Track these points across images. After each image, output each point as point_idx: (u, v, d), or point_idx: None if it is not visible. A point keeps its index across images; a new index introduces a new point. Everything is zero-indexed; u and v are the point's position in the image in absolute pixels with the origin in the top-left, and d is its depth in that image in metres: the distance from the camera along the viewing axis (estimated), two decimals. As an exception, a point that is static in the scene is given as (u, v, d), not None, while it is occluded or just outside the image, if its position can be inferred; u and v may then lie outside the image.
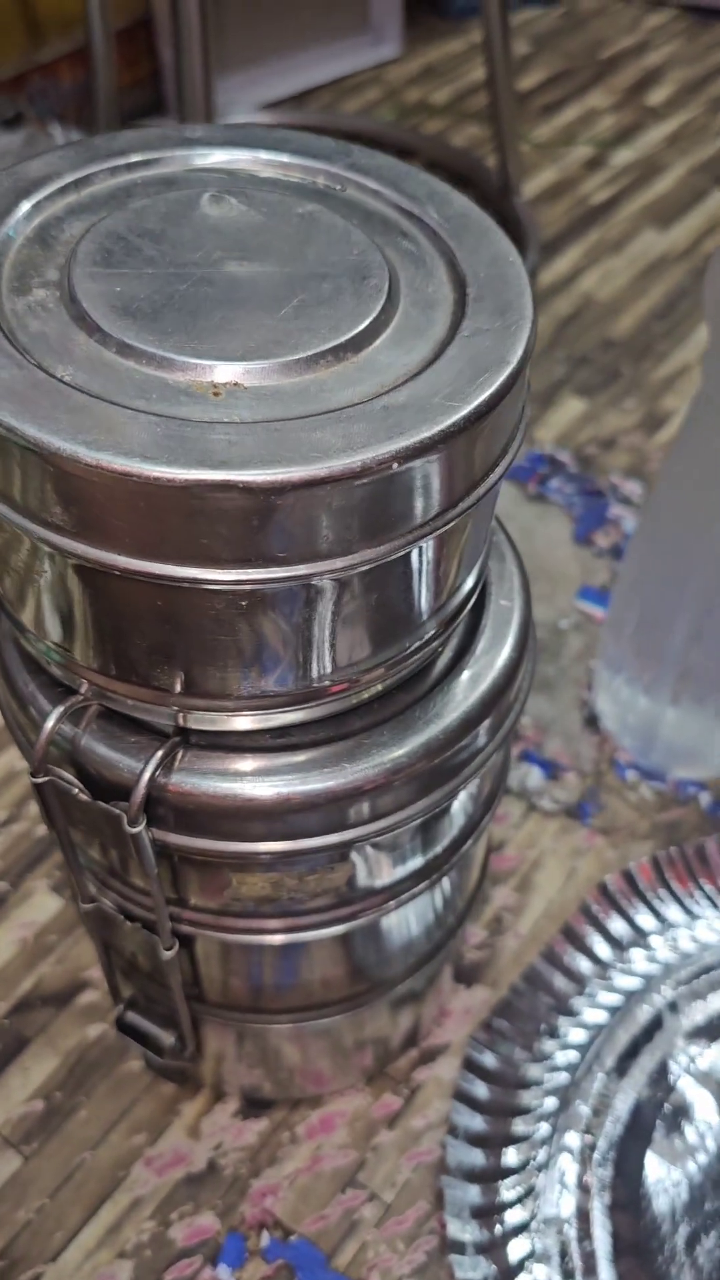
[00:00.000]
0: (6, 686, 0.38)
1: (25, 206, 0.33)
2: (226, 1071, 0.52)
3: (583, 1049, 0.55)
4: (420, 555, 0.32)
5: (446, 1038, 0.55)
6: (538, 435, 0.85)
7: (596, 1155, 0.51)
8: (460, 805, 0.41)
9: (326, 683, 0.33)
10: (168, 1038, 0.47)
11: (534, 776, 0.65)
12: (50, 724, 0.35)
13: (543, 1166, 0.51)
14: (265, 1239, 0.49)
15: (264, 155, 0.37)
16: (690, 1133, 0.52)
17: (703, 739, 0.63)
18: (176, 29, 0.87)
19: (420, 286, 0.33)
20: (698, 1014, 0.55)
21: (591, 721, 0.68)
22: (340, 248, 0.33)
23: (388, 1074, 0.54)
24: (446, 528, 0.31)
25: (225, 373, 0.29)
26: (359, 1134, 0.53)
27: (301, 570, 0.29)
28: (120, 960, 0.47)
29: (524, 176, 1.09)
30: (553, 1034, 0.55)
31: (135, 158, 0.36)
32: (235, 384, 0.29)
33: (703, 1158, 0.51)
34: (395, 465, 0.28)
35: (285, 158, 0.37)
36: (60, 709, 0.35)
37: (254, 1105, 0.53)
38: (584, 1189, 0.50)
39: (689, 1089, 0.53)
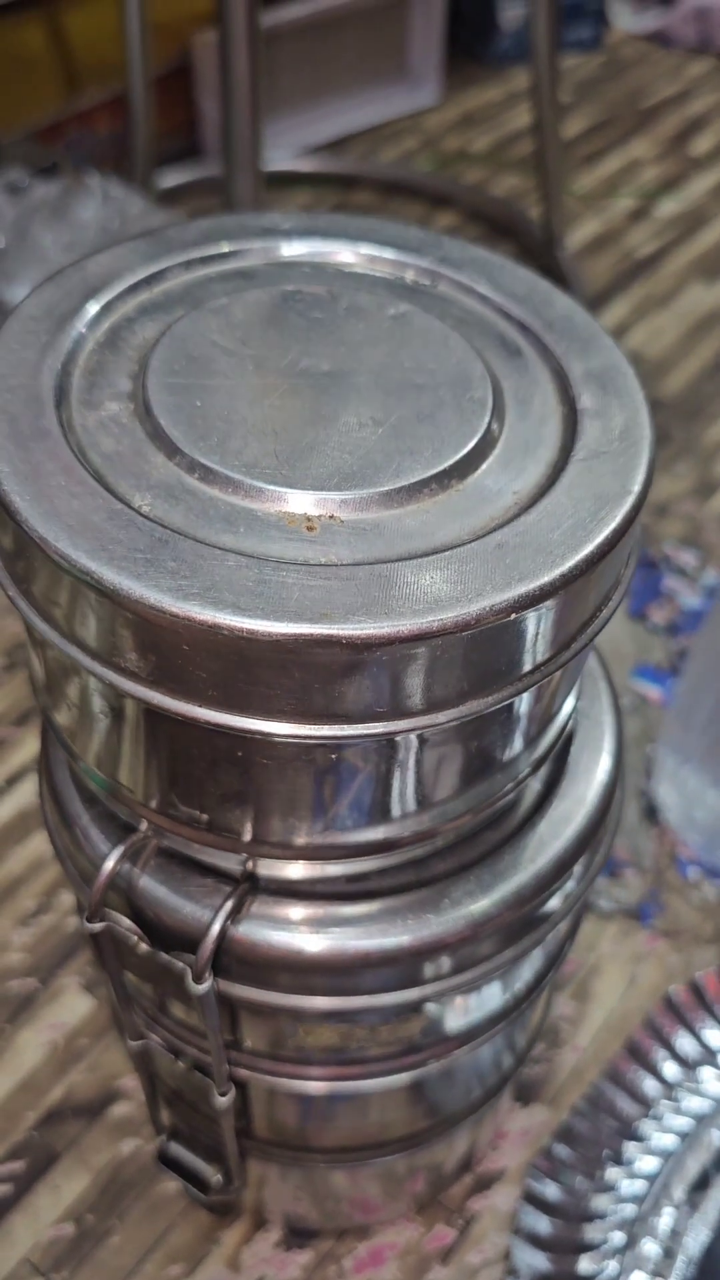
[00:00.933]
0: (58, 813, 0.35)
1: (94, 308, 0.31)
2: (269, 1198, 0.48)
3: (651, 1178, 0.51)
4: (521, 698, 0.29)
5: (503, 1162, 0.52)
6: (587, 500, 0.82)
7: (669, 1301, 0.47)
8: (546, 948, 0.38)
9: (406, 833, 0.30)
10: (213, 1174, 0.43)
11: (592, 872, 0.61)
12: (110, 865, 0.32)
13: (610, 1312, 0.47)
14: None
15: (348, 247, 0.34)
16: (767, 1275, 0.48)
17: (772, 836, 0.60)
18: (225, 80, 0.85)
19: (526, 399, 0.30)
20: (772, 1141, 0.52)
21: (651, 813, 0.64)
22: (438, 354, 0.30)
23: (440, 1202, 0.51)
24: (554, 673, 0.28)
25: (320, 504, 0.26)
26: (411, 1269, 0.49)
27: (401, 726, 0.26)
28: (164, 1089, 0.43)
29: (566, 228, 1.07)
30: (618, 1161, 0.52)
31: (210, 250, 0.33)
32: (331, 517, 0.26)
33: (781, 1303, 0.47)
34: (513, 615, 0.25)
35: (372, 250, 0.34)
36: (120, 849, 0.32)
37: (298, 1235, 0.50)
38: (657, 1343, 0.46)
39: (765, 1225, 0.49)
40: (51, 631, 0.27)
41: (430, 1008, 0.35)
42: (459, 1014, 0.36)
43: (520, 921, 0.33)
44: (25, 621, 0.28)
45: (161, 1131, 0.44)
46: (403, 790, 0.29)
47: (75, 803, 0.34)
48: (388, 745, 0.27)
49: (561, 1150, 0.52)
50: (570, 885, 0.35)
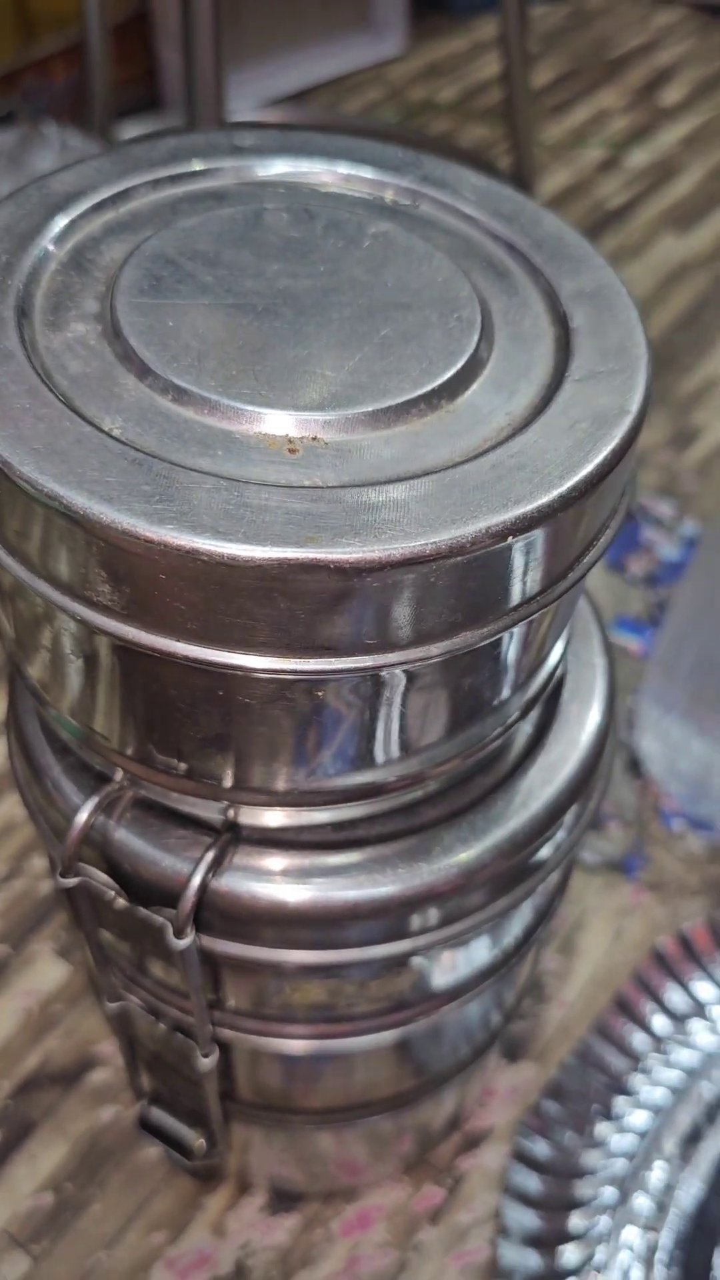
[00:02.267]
0: (27, 766, 0.34)
1: (60, 223, 0.29)
2: (254, 1162, 0.47)
3: (641, 1133, 0.50)
4: (512, 634, 0.28)
5: (491, 1120, 0.51)
6: (562, 454, 0.81)
7: (661, 1254, 0.47)
8: (535, 903, 0.37)
9: (393, 776, 0.29)
10: (196, 1139, 0.42)
11: (575, 827, 0.61)
12: (83, 816, 0.30)
13: (602, 1267, 0.47)
14: None
15: (324, 166, 0.32)
16: (758, 1225, 0.47)
17: (756, 787, 0.59)
18: (186, 25, 0.82)
19: (516, 320, 0.28)
20: (761, 1091, 0.51)
21: (634, 765, 0.63)
22: (422, 273, 0.29)
23: (428, 1162, 0.50)
24: (548, 605, 0.27)
25: (302, 425, 0.25)
26: (399, 1231, 0.48)
27: (390, 659, 0.24)
28: (144, 1052, 0.42)
29: (536, 179, 1.05)
30: (608, 1116, 0.51)
31: (180, 169, 0.31)
32: (314, 439, 0.25)
33: (772, 1252, 0.47)
34: (509, 539, 0.23)
35: (349, 169, 0.32)
36: (94, 799, 0.30)
37: (283, 1199, 0.49)
38: (650, 1295, 0.46)
39: (755, 1175, 0.49)
40: (18, 566, 0.25)
41: (419, 962, 0.34)
42: (448, 969, 0.35)
43: (512, 870, 0.32)
44: (-11, 557, 0.26)
45: (142, 1096, 0.43)
46: (390, 731, 0.27)
47: (46, 755, 0.33)
48: (375, 682, 0.26)
49: (550, 1107, 0.51)
50: (562, 834, 0.34)
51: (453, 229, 0.31)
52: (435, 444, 0.25)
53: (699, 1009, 0.54)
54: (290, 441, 0.25)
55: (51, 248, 0.28)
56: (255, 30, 1.14)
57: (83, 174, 0.30)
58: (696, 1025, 0.53)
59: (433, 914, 0.31)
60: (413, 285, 0.28)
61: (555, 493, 0.24)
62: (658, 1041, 0.53)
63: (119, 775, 0.30)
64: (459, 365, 0.26)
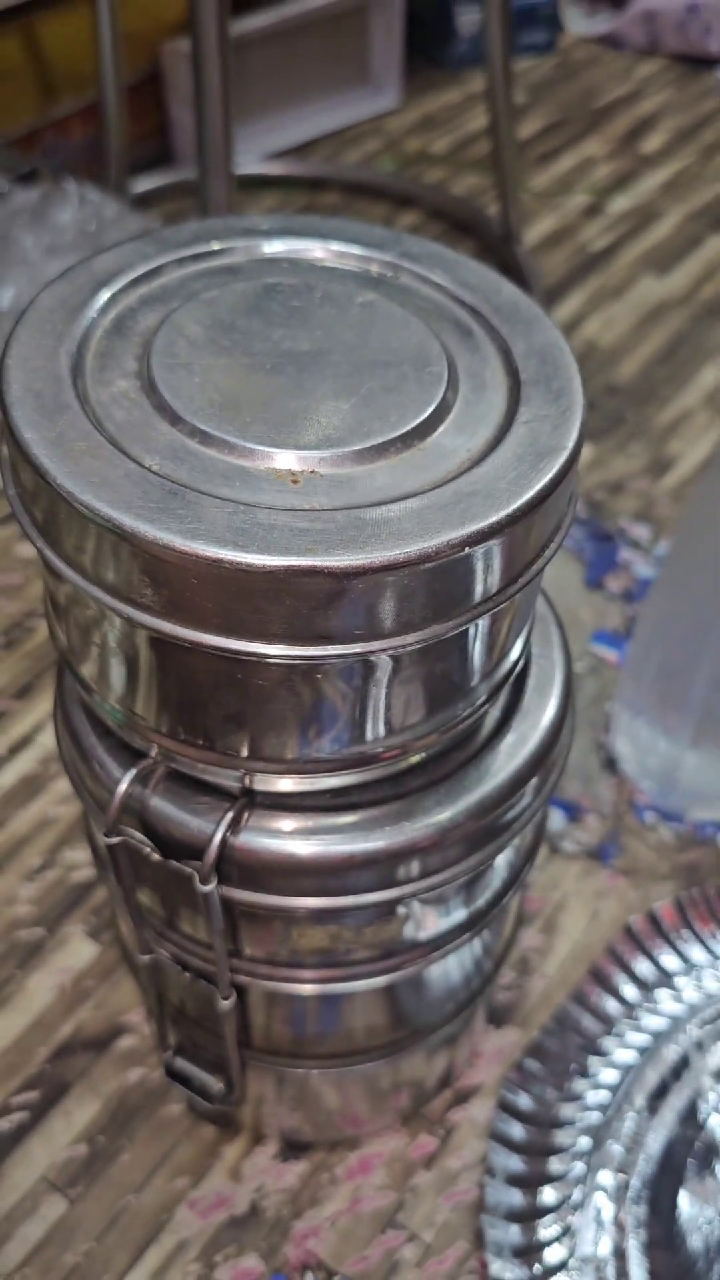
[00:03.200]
0: (74, 747, 0.40)
1: (104, 296, 0.35)
2: (266, 1115, 0.53)
3: (613, 1088, 0.56)
4: (478, 628, 0.34)
5: (479, 1078, 0.57)
6: (547, 481, 0.87)
7: (631, 1194, 0.52)
8: (504, 859, 0.43)
9: (382, 748, 0.35)
10: (216, 1084, 0.48)
11: (556, 819, 0.67)
12: (123, 787, 0.36)
13: (579, 1205, 0.52)
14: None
15: (320, 244, 0.39)
16: None
17: (720, 781, 0.65)
18: (198, 86, 0.89)
19: (477, 373, 0.35)
20: (722, 1052, 0.57)
21: (610, 764, 0.69)
22: (401, 335, 0.35)
23: (423, 1115, 0.56)
24: (506, 603, 0.33)
25: (303, 461, 0.31)
26: (397, 1175, 0.54)
27: (376, 646, 0.31)
28: (170, 1008, 0.48)
29: (524, 224, 1.12)
30: (584, 1074, 0.57)
31: (201, 249, 0.38)
32: (312, 472, 0.31)
33: (732, 1194, 0.53)
34: (468, 548, 0.30)
35: (341, 247, 0.39)
36: (133, 771, 0.36)
37: (293, 1148, 0.55)
38: (620, 1227, 0.51)
39: (719, 1128, 0.54)
40: (76, 576, 0.31)
41: (406, 911, 0.40)
42: (431, 920, 0.41)
43: (482, 831, 0.38)
44: (53, 572, 0.32)
45: (168, 1048, 0.49)
46: (378, 710, 0.33)
47: (90, 737, 0.39)
48: (364, 666, 0.32)
49: (532, 1064, 0.57)
50: (526, 800, 0.40)
51: (426, 296, 0.38)
52: (410, 475, 0.31)
53: (666, 979, 0.59)
54: (294, 474, 0.31)
55: (96, 317, 0.35)
56: (261, 87, 1.22)
57: (121, 255, 0.37)
58: (663, 994, 0.59)
59: (416, 866, 0.37)
60: (393, 346, 0.35)
61: (504, 512, 0.30)
62: (629, 1008, 0.59)
63: (154, 751, 0.37)
64: (429, 411, 0.33)
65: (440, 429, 0.33)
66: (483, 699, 0.37)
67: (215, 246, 0.38)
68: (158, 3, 1.10)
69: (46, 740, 0.70)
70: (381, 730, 0.34)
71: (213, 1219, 0.52)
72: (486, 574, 0.31)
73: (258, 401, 0.32)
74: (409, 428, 0.32)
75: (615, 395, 0.95)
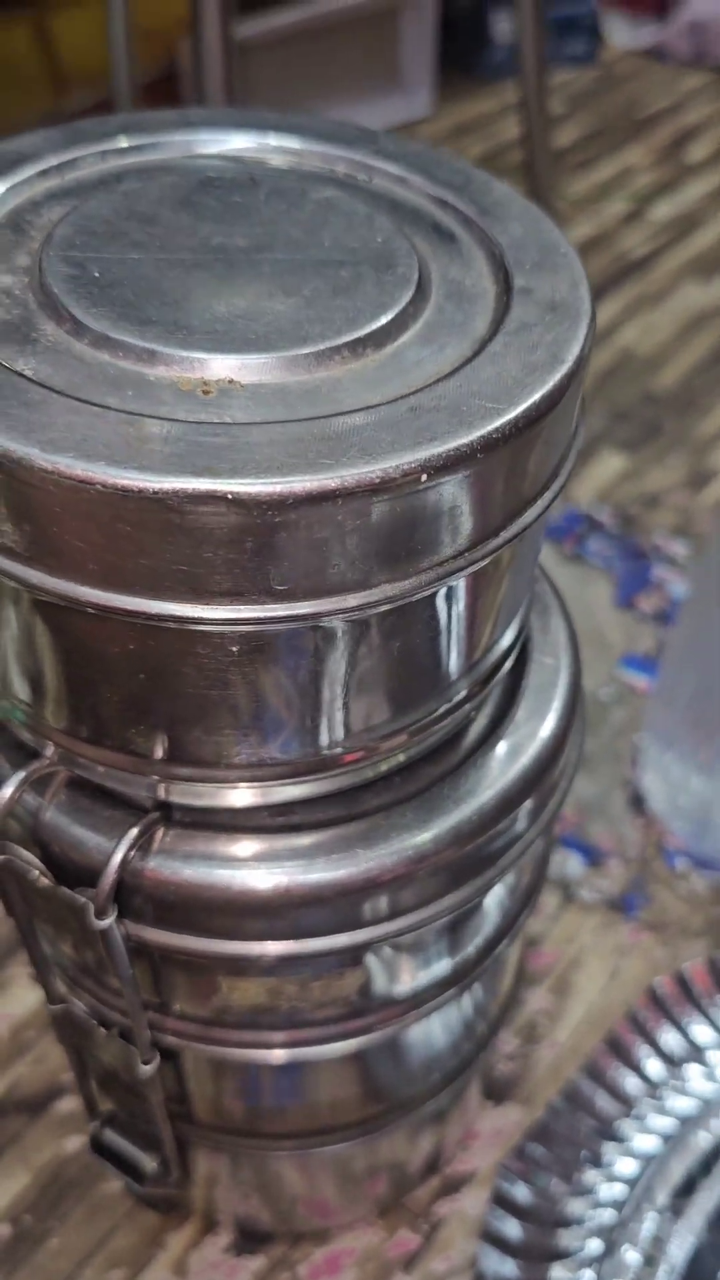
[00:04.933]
0: (-38, 748, 0.32)
1: (2, 186, 0.29)
2: (219, 1198, 0.45)
3: (631, 1182, 0.47)
4: (451, 598, 0.26)
5: (473, 1164, 0.48)
6: (574, 492, 0.80)
7: (648, 1313, 0.43)
8: (495, 900, 0.35)
9: (338, 750, 0.27)
10: (150, 1162, 0.40)
11: (573, 863, 0.58)
12: (9, 792, 0.29)
13: (585, 1325, 0.43)
14: None
15: (276, 140, 0.32)
16: (757, 1286, 0.44)
17: (763, 823, 0.57)
18: (198, 81, 0.84)
19: (456, 278, 0.28)
20: (763, 1142, 0.48)
21: (637, 802, 0.61)
22: (362, 234, 0.28)
23: (404, 1206, 0.47)
24: (482, 563, 0.25)
25: (218, 367, 0.24)
26: (370, 1277, 0.45)
27: (305, 608, 0.23)
28: (97, 1068, 0.40)
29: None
30: (596, 1163, 0.48)
31: (127, 142, 0.31)
32: (230, 381, 0.24)
33: (772, 1317, 0.44)
34: (424, 478, 0.22)
35: (301, 143, 0.32)
36: (20, 775, 0.29)
37: (249, 1239, 0.46)
38: None
39: (755, 1233, 0.45)
40: None
41: (370, 963, 0.32)
42: (401, 974, 0.33)
43: (461, 862, 0.30)
44: None
45: (96, 1117, 0.41)
46: (327, 699, 0.26)
47: (-22, 734, 0.32)
48: (304, 637, 0.24)
49: (535, 1149, 0.48)
50: (519, 826, 0.32)
51: (400, 197, 0.30)
52: (355, 390, 0.24)
53: (696, 1053, 0.51)
54: (205, 384, 0.24)
55: (-11, 209, 0.28)
56: (292, 91, 1.17)
57: (29, 142, 0.30)
58: (693, 1070, 0.50)
59: (380, 904, 0.30)
60: (350, 245, 0.28)
61: (475, 434, 0.23)
62: (652, 1086, 0.50)
63: (50, 751, 0.29)
64: (388, 318, 0.26)
65: (402, 339, 0.26)
66: (462, 695, 0.29)
67: (147, 140, 0.31)
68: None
69: None
70: (334, 730, 0.27)
71: (149, 1323, 0.44)
72: (458, 519, 0.24)
73: (170, 301, 0.25)
74: (360, 334, 0.25)
75: (653, 404, 0.88)
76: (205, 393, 0.24)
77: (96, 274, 0.26)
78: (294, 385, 0.24)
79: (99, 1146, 0.41)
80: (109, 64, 0.98)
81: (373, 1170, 0.45)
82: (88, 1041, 0.36)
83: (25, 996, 0.53)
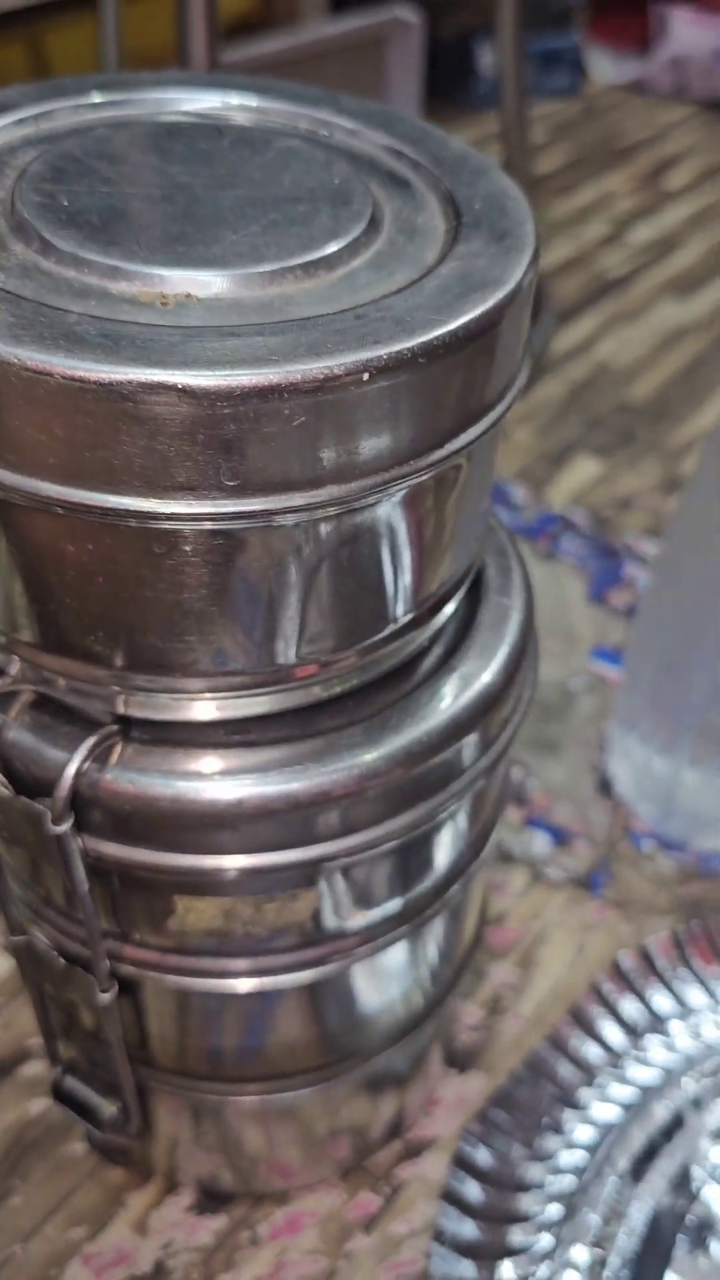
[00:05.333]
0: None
1: (-28, 131, 0.30)
2: (181, 1158, 0.45)
3: (591, 1149, 0.48)
4: (400, 514, 0.28)
5: (435, 1130, 0.49)
6: (549, 495, 0.82)
7: (608, 1274, 0.44)
8: (446, 839, 0.36)
9: (291, 663, 0.29)
10: (109, 1108, 0.41)
11: (540, 843, 0.59)
12: (-30, 708, 0.30)
13: (543, 1284, 0.44)
14: None
15: (242, 100, 0.34)
16: (717, 1251, 0.44)
17: (726, 804, 0.58)
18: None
19: (409, 217, 0.29)
20: (723, 1111, 0.48)
21: (605, 787, 0.62)
22: (320, 177, 0.30)
23: (366, 1169, 0.48)
24: (425, 475, 0.27)
25: (176, 282, 0.25)
26: (331, 1238, 0.46)
27: (255, 505, 0.24)
28: (59, 1016, 0.41)
29: (540, 251, 1.08)
30: (557, 1130, 0.48)
31: (101, 98, 0.33)
32: (187, 295, 0.25)
33: (729, 1281, 0.44)
34: (366, 377, 0.24)
35: (266, 102, 0.34)
36: (-17, 691, 0.30)
37: (211, 1199, 0.47)
38: (590, 1311, 0.43)
39: (716, 1199, 0.46)
40: None
41: (322, 887, 0.33)
42: (354, 905, 0.34)
43: (411, 784, 0.31)
44: None
45: (57, 1064, 0.42)
46: (280, 608, 0.27)
47: (-54, 658, 0.33)
48: (255, 539, 0.26)
49: (497, 1115, 0.48)
50: (468, 755, 0.33)
51: (359, 149, 0.32)
52: (306, 303, 0.26)
53: (658, 1023, 0.51)
54: (164, 297, 0.25)
55: (-34, 150, 0.30)
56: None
57: (7, 95, 0.32)
58: (654, 1041, 0.51)
59: (332, 819, 0.31)
60: (308, 185, 0.29)
61: (415, 340, 0.24)
62: (613, 1056, 0.50)
63: (14, 668, 0.30)
64: (340, 245, 0.27)
65: (354, 264, 0.27)
66: (409, 619, 0.30)
67: (120, 97, 0.33)
68: (164, 22, 1.09)
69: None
70: (287, 642, 0.28)
71: (109, 1278, 0.44)
72: (402, 424, 0.25)
73: (134, 226, 0.27)
74: (313, 257, 0.26)
75: (628, 413, 0.90)
76: (163, 304, 0.25)
77: (65, 203, 0.27)
78: (248, 299, 0.25)
79: (59, 1093, 0.42)
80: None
81: (334, 1131, 0.45)
82: (49, 976, 0.37)
83: (-6, 965, 0.54)
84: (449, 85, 1.35)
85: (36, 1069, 0.50)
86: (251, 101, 0.34)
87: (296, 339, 0.24)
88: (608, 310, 1.02)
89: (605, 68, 1.45)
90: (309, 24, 1.20)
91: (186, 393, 0.23)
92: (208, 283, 0.25)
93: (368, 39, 1.21)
